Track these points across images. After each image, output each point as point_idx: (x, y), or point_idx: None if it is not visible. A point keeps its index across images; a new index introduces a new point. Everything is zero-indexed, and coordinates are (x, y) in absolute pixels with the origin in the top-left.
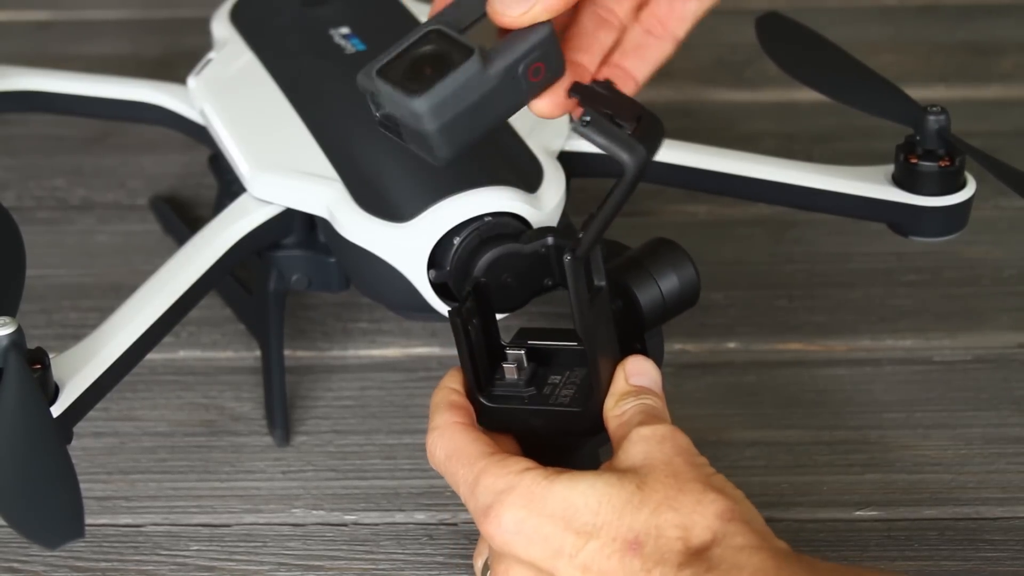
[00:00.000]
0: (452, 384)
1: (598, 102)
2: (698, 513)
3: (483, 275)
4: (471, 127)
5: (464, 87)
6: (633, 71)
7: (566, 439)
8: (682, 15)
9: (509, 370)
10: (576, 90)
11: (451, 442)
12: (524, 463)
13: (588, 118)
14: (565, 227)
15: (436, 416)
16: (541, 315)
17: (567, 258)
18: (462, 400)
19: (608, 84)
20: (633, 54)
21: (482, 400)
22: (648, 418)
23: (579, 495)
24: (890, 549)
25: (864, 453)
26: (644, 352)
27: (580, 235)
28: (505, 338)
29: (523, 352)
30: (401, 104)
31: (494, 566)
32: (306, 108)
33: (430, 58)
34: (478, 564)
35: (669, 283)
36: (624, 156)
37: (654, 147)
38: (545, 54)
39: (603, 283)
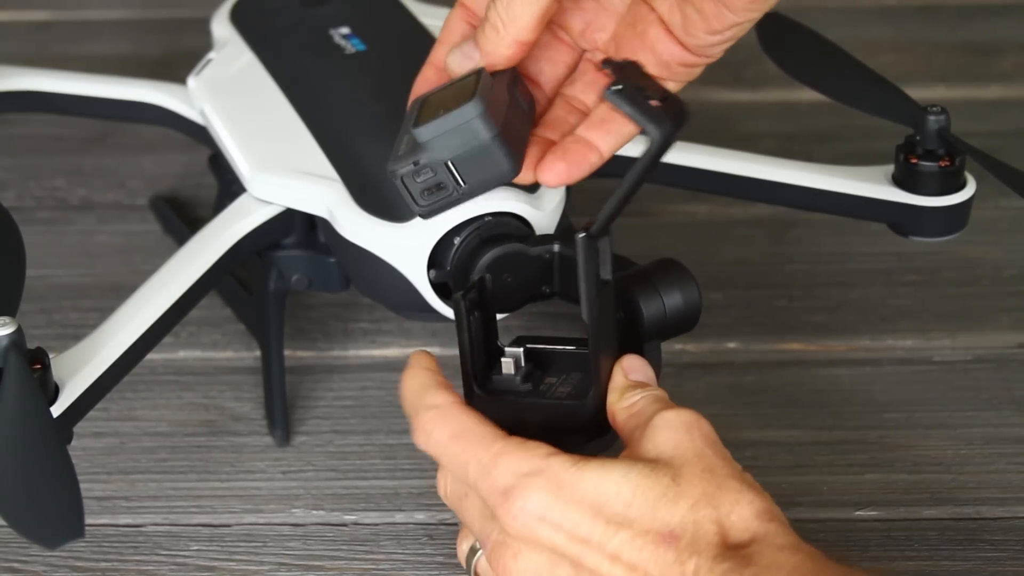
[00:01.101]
0: (426, 364)
1: (628, 75)
2: (735, 513)
3: (486, 271)
4: (516, 137)
5: (492, 96)
6: (598, 143)
7: (561, 439)
8: None
9: (507, 365)
10: (607, 63)
11: (456, 422)
12: (548, 448)
13: (620, 86)
14: (566, 229)
15: (427, 396)
16: (541, 315)
17: (580, 236)
18: (447, 381)
19: (636, 65)
20: (599, 128)
21: (478, 391)
22: (666, 404)
23: (611, 484)
24: (890, 549)
25: (864, 453)
26: None
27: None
28: (503, 341)
29: (521, 351)
30: (455, 124)
31: (495, 550)
32: (306, 108)
33: (452, 92)
34: (463, 548)
35: (673, 299)
36: (651, 127)
37: (680, 124)
38: (521, 83)
39: (609, 277)
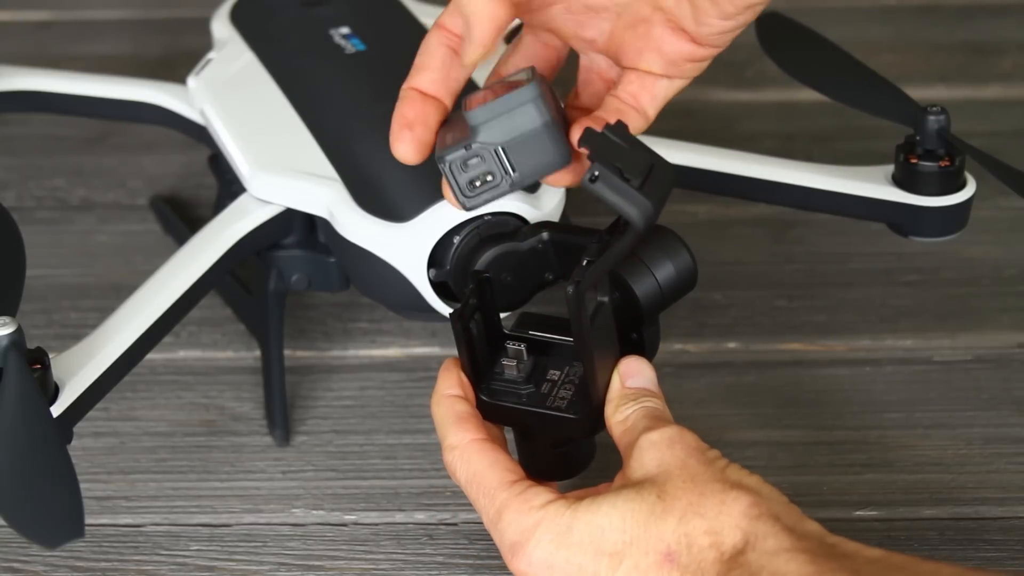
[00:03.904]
0: (451, 390)
1: (608, 151)
2: (724, 514)
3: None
4: (561, 130)
5: (545, 88)
6: None
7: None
8: (653, 94)
9: (508, 366)
10: (586, 139)
11: (469, 466)
12: (545, 496)
13: (596, 173)
14: (561, 220)
15: (449, 434)
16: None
17: (569, 289)
18: (468, 409)
19: (621, 128)
20: (615, 116)
21: (480, 395)
22: (653, 422)
23: (603, 517)
24: (890, 549)
25: (864, 453)
26: (641, 342)
27: (585, 262)
28: (508, 323)
29: (523, 347)
30: (510, 106)
31: None
32: (306, 108)
33: (504, 85)
34: None
35: (665, 272)
36: (632, 212)
37: (662, 198)
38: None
39: (606, 298)
